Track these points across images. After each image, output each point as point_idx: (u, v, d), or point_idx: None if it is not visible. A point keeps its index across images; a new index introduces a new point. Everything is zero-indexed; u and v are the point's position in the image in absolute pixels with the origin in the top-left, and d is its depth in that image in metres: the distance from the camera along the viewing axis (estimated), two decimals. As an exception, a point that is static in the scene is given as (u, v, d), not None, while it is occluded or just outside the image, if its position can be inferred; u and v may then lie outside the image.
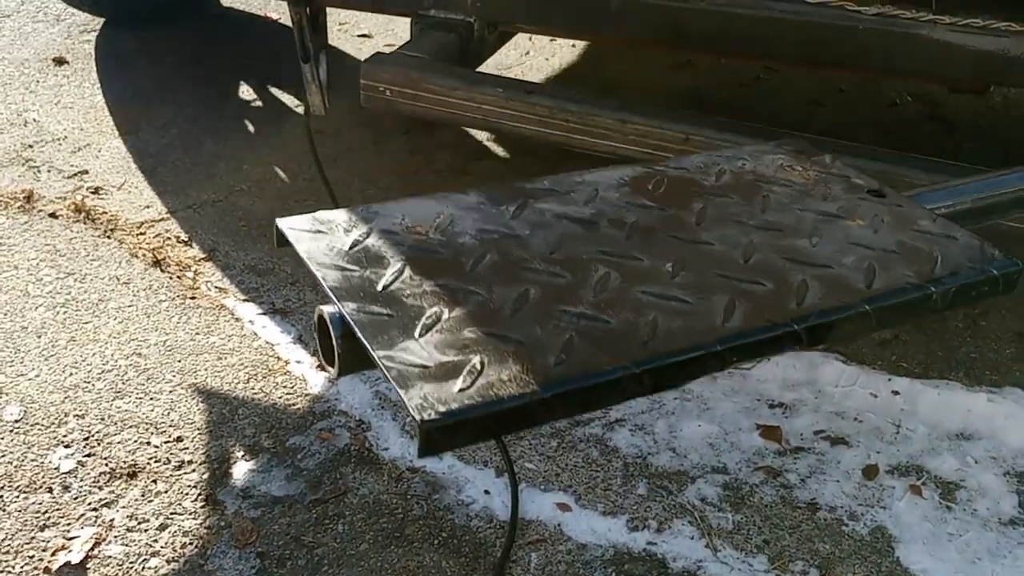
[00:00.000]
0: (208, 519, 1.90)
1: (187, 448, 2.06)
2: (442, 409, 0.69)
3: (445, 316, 0.78)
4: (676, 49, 2.12)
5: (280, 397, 2.22)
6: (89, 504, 1.92)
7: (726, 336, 0.79)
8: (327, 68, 2.47)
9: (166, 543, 1.84)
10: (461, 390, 0.71)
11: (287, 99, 3.86)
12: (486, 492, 1.97)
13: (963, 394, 2.29)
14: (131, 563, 1.80)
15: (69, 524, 1.87)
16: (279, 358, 2.35)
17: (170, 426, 2.12)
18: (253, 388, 2.25)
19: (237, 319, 2.49)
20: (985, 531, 1.92)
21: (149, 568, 1.79)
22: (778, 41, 2.02)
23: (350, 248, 0.87)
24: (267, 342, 2.41)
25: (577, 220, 0.94)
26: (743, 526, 1.92)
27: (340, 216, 0.91)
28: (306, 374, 2.30)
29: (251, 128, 3.60)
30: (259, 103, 3.84)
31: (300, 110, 3.75)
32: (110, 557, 1.81)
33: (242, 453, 2.06)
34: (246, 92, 3.91)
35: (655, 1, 2.02)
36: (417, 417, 0.69)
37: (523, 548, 1.85)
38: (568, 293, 0.82)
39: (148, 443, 2.07)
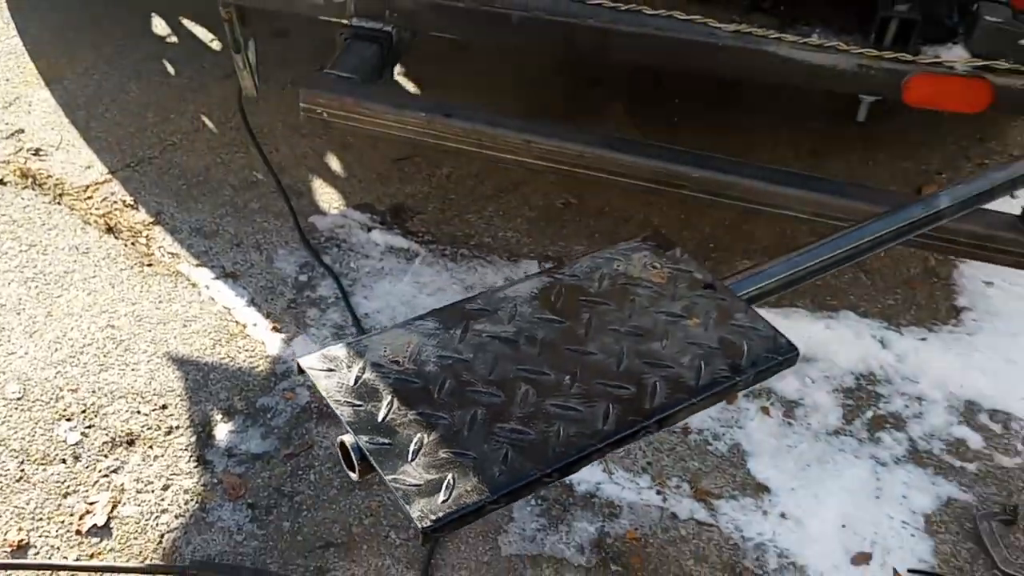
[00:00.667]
0: (202, 478, 2.33)
1: (173, 415, 2.47)
2: (433, 518, 1.14)
3: (425, 441, 1.21)
4: (567, 56, 2.47)
5: (244, 360, 2.62)
6: (100, 471, 2.33)
7: (604, 436, 1.25)
8: (256, 52, 2.74)
9: (172, 501, 2.28)
10: (443, 501, 1.15)
11: (200, 32, 4.04)
12: (426, 438, 2.45)
13: (807, 320, 2.82)
14: (147, 520, 2.23)
15: (87, 491, 2.28)
16: (237, 322, 2.74)
17: (154, 394, 2.52)
18: (219, 353, 2.64)
19: (194, 284, 2.85)
20: (816, 442, 2.49)
21: (162, 524, 2.23)
22: (652, 52, 2.40)
23: (354, 384, 1.28)
24: (224, 307, 2.78)
25: (504, 340, 1.37)
26: (631, 451, 2.45)
27: (342, 352, 1.32)
28: (263, 337, 2.69)
29: (171, 69, 3.81)
30: (174, 38, 4.02)
31: (215, 45, 3.95)
32: (128, 517, 2.24)
33: (220, 416, 2.48)
34: (159, 26, 4.07)
35: (549, 17, 2.37)
36: (419, 525, 1.13)
37: (460, 484, 2.34)
38: (502, 412, 1.26)
39: (139, 412, 2.47)
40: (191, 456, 2.36)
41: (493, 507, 1.18)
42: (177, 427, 2.42)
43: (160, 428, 2.42)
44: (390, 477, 1.17)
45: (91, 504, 2.24)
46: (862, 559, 2.20)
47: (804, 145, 3.47)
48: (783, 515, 2.29)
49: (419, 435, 1.22)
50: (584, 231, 3.07)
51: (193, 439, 2.40)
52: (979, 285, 2.96)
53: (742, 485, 2.37)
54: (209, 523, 2.23)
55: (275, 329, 2.69)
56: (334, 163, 3.33)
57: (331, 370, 1.30)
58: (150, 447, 2.37)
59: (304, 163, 3.31)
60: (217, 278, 2.85)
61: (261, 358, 2.62)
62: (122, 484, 2.29)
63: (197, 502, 2.27)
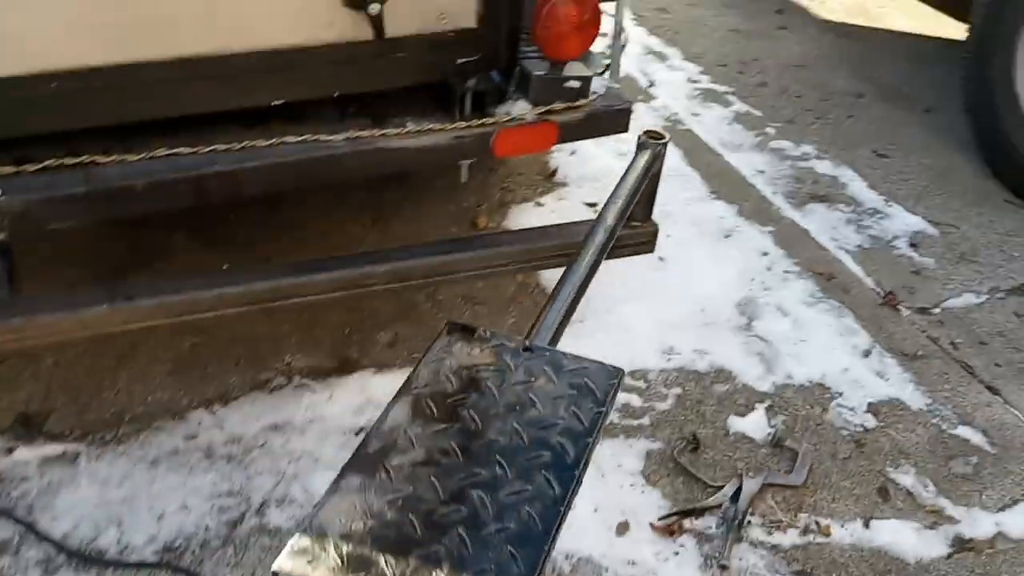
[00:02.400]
0: None
1: None
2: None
3: (445, 573, 1.28)
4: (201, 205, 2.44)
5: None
6: None
7: (559, 498, 1.43)
8: None
9: None
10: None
11: None
12: None
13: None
14: None
15: None
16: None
17: None
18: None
19: None
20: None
21: None
22: (283, 177, 2.52)
23: (344, 562, 1.28)
24: None
25: (425, 463, 1.45)
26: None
27: (304, 541, 1.29)
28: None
29: None
30: None
31: None
32: None
33: None
34: None
35: (176, 175, 2.37)
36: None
37: None
38: (477, 520, 1.37)
39: None
40: None
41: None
42: None
43: None
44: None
45: None
46: (623, 528, 2.58)
47: (366, 217, 3.78)
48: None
49: (434, 572, 1.30)
50: (228, 362, 3.07)
51: None
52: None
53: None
54: None
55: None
56: (-87, 401, 2.89)
57: (311, 560, 1.30)
58: None
59: None
60: None
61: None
62: None
63: None
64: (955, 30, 5.67)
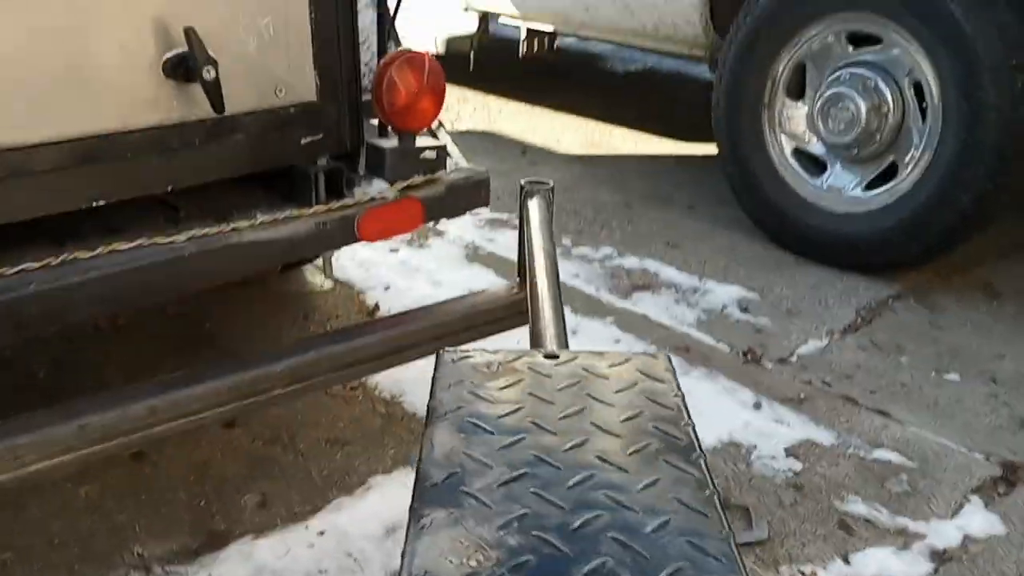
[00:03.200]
0: None
1: None
2: None
3: None
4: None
5: None
6: None
7: (704, 481, 1.07)
8: None
9: None
10: None
11: None
12: None
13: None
14: None
15: None
16: None
17: None
18: None
19: None
20: None
21: None
22: (119, 293, 2.03)
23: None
24: None
25: (517, 479, 1.05)
26: None
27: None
28: None
29: None
30: None
31: None
32: None
33: None
34: None
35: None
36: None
37: None
38: (627, 521, 0.98)
39: None
40: None
41: None
42: None
43: None
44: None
45: None
46: None
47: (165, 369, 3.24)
48: None
49: None
50: (59, 572, 2.41)
51: None
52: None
53: None
54: None
55: None
56: None
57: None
58: None
59: None
60: None
61: None
62: None
63: None
64: (678, 147, 6.10)
